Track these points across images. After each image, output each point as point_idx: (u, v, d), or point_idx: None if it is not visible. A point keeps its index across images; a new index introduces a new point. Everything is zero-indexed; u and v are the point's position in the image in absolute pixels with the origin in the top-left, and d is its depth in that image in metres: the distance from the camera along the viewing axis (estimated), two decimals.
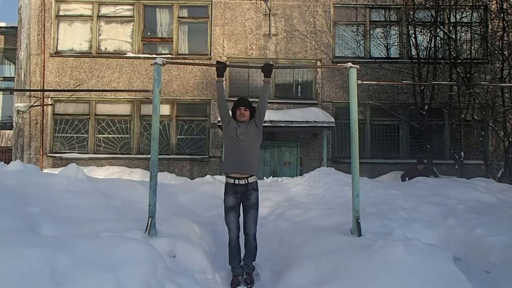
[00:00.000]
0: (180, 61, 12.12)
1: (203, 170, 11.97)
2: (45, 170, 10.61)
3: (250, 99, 4.66)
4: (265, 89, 4.49)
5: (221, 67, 4.44)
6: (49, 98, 12.36)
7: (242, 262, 4.31)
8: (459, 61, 10.84)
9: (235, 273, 4.24)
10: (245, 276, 4.25)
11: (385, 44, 12.69)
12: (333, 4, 12.70)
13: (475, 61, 11.31)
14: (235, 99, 4.46)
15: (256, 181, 4.36)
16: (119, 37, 12.65)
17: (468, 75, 10.67)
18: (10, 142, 13.16)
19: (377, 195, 6.67)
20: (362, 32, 12.73)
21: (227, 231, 4.31)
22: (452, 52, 10.97)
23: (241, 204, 4.33)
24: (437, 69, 11.23)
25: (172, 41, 12.56)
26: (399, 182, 9.31)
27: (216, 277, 4.12)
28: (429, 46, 11.36)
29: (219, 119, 11.25)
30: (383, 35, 12.70)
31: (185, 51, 12.63)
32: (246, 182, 4.26)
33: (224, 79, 4.62)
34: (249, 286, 4.22)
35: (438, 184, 7.56)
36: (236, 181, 4.26)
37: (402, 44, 12.45)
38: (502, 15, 10.71)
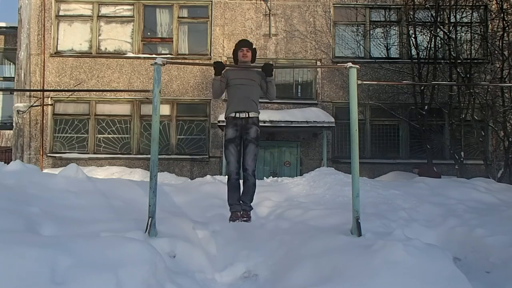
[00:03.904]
0: (180, 61, 12.13)
1: (203, 170, 11.97)
2: (45, 170, 10.61)
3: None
4: (270, 87, 4.54)
5: (219, 67, 4.47)
6: (49, 98, 12.37)
7: (241, 201, 4.36)
8: (459, 61, 10.85)
9: (234, 210, 4.32)
10: (242, 213, 4.29)
11: (385, 44, 12.71)
12: (333, 4, 12.70)
13: (475, 61, 11.32)
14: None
15: (258, 117, 4.46)
16: (119, 37, 12.66)
17: (468, 75, 10.68)
18: (10, 142, 13.15)
19: (377, 195, 6.67)
20: (362, 32, 12.74)
21: (227, 165, 4.43)
22: (452, 52, 10.98)
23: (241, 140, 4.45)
24: (437, 69, 11.24)
25: (172, 41, 12.56)
26: (399, 182, 9.30)
27: (216, 277, 4.11)
28: (429, 46, 11.37)
29: (219, 119, 11.26)
30: (383, 35, 12.72)
31: (185, 51, 12.63)
32: (247, 115, 4.35)
33: (222, 76, 4.67)
34: (244, 219, 4.28)
35: (438, 184, 7.56)
36: (237, 115, 4.37)
37: (402, 44, 12.46)
38: (502, 15, 10.72)
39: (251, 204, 4.39)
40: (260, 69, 4.55)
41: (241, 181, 4.42)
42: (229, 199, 4.33)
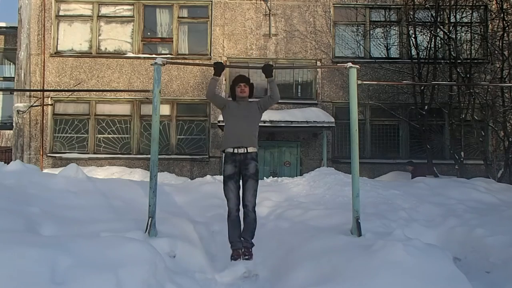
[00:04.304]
0: (180, 61, 12.12)
1: (203, 170, 11.97)
2: (45, 170, 10.61)
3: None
4: (272, 87, 4.53)
5: (219, 67, 4.47)
6: (49, 98, 12.37)
7: (242, 238, 4.30)
8: (459, 61, 10.84)
9: (235, 247, 4.24)
10: (243, 250, 4.24)
11: (385, 44, 12.70)
12: (333, 4, 12.70)
13: (475, 61, 11.31)
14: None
15: (256, 152, 4.40)
16: (119, 37, 12.66)
17: (468, 75, 10.67)
18: (10, 142, 13.14)
19: (377, 195, 6.68)
20: (362, 32, 12.74)
21: (226, 202, 4.34)
22: (452, 52, 10.98)
23: (241, 175, 4.37)
24: (437, 69, 11.24)
25: (172, 41, 12.56)
26: (399, 182, 9.31)
27: (216, 277, 4.11)
28: (429, 46, 11.36)
29: (219, 119, 11.25)
30: (383, 35, 12.71)
31: (185, 51, 12.63)
32: (245, 151, 4.31)
33: (223, 78, 4.68)
34: (246, 257, 4.21)
35: (438, 184, 7.57)
36: (235, 150, 4.32)
37: (402, 44, 12.45)
38: (502, 15, 10.72)
39: (252, 240, 4.34)
40: (256, 100, 4.54)
41: (241, 216, 4.37)
42: (230, 236, 4.28)
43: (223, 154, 4.55)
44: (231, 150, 4.34)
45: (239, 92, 4.49)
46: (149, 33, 12.72)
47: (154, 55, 11.78)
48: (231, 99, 4.72)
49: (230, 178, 4.31)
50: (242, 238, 4.30)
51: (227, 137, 4.47)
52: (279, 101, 13.02)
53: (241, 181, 4.43)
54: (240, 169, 4.32)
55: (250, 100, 4.62)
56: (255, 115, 4.51)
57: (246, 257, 4.22)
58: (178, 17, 12.64)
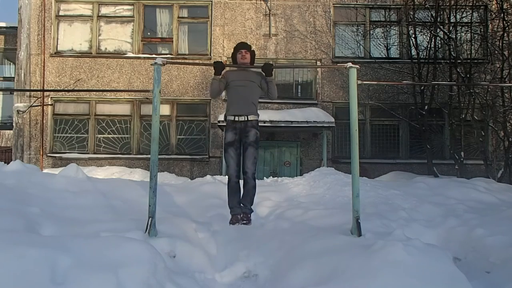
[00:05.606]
0: (180, 61, 12.13)
1: (203, 170, 11.98)
2: (45, 170, 10.61)
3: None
4: (271, 87, 4.59)
5: (219, 66, 4.49)
6: (49, 98, 12.37)
7: (241, 204, 4.39)
8: (459, 61, 10.84)
9: (234, 213, 4.36)
10: (242, 215, 4.32)
11: (385, 44, 12.70)
12: (333, 4, 12.70)
13: (475, 61, 11.31)
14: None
15: (257, 120, 4.49)
16: (119, 37, 12.66)
17: (468, 75, 10.67)
18: (10, 142, 13.15)
19: (377, 195, 6.67)
20: (362, 32, 12.74)
21: (226, 168, 4.48)
22: (452, 52, 10.98)
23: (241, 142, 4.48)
24: (437, 69, 11.24)
25: (172, 41, 12.57)
26: (399, 182, 9.30)
27: (216, 277, 4.11)
28: (429, 46, 11.36)
29: (219, 119, 11.26)
30: (383, 35, 12.71)
31: (185, 51, 12.63)
32: (246, 119, 4.40)
33: (222, 77, 4.69)
34: (244, 222, 4.31)
35: (438, 184, 7.57)
36: (236, 118, 4.41)
37: (402, 44, 12.46)
38: (502, 15, 10.72)
39: (251, 206, 4.39)
40: (260, 70, 4.58)
41: (241, 183, 4.43)
42: (229, 202, 4.37)
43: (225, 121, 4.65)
44: (232, 117, 4.43)
45: (240, 58, 4.60)
46: (149, 33, 12.72)
47: (154, 55, 11.79)
48: (229, 69, 4.78)
49: (230, 145, 4.41)
50: (241, 204, 4.35)
51: (228, 105, 4.57)
52: (279, 101, 13.01)
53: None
54: (241, 137, 4.38)
55: (253, 70, 4.65)
56: (255, 84, 4.56)
57: (244, 221, 4.30)
58: (178, 17, 12.65)
